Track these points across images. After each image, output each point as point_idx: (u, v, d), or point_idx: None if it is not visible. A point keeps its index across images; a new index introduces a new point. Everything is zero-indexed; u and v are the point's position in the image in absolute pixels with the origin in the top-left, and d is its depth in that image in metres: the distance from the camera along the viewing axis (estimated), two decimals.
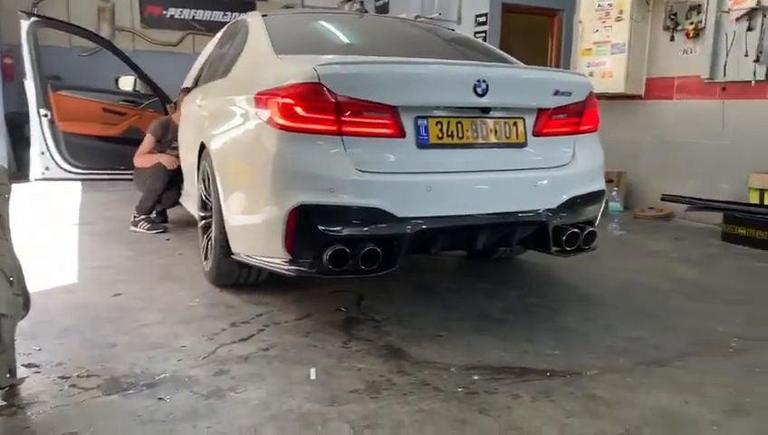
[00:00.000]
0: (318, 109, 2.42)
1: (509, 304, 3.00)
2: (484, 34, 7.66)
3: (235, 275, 3.10)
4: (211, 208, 3.18)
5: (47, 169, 5.04)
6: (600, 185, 2.97)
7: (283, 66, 2.69)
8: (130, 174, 4.98)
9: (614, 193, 5.33)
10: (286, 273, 2.52)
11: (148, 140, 4.78)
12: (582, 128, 2.92)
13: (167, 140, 4.84)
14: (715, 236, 4.71)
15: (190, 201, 4.16)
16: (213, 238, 3.09)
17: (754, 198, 4.75)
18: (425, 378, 2.17)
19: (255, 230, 2.66)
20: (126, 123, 5.27)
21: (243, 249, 2.84)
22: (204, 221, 3.44)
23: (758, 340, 2.60)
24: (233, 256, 2.93)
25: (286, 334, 2.57)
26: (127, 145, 5.03)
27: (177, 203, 4.82)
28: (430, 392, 2.06)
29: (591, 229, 2.85)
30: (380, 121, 2.48)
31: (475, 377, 2.19)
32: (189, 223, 4.12)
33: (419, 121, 2.53)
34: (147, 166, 4.71)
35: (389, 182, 2.46)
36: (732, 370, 2.29)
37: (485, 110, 2.63)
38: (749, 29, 4.89)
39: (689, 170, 5.49)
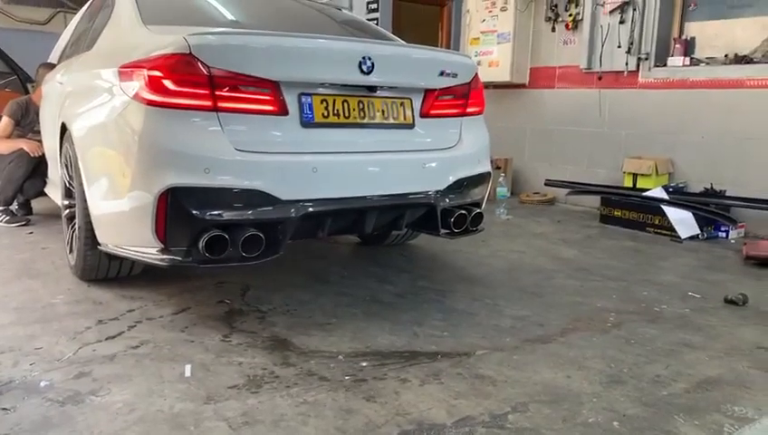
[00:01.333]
0: (190, 82, 2.22)
1: (399, 288, 2.95)
2: (375, 22, 7.61)
3: (104, 269, 2.82)
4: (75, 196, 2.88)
5: None
6: (485, 167, 2.98)
7: (150, 37, 2.46)
8: None
9: (501, 179, 5.47)
10: (159, 263, 2.31)
11: (6, 124, 4.29)
12: (469, 110, 2.92)
13: (27, 122, 4.38)
14: (594, 218, 4.96)
15: (55, 190, 3.77)
16: (77, 228, 2.79)
17: (628, 182, 5.05)
18: (311, 368, 2.06)
19: (123, 217, 2.41)
20: None
21: (110, 239, 2.58)
22: (68, 210, 3.11)
23: (632, 313, 2.72)
24: (100, 248, 2.66)
25: (160, 330, 2.36)
26: None
27: (41, 193, 4.36)
28: (316, 383, 1.96)
29: (478, 211, 2.85)
30: (261, 97, 2.32)
31: (364, 364, 2.10)
32: (58, 216, 3.73)
33: (303, 99, 2.40)
34: (5, 153, 4.23)
35: (272, 163, 2.31)
36: (610, 343, 2.37)
37: (372, 88, 2.55)
38: (621, 21, 5.17)
39: (570, 156, 5.75)
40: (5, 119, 4.29)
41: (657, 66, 5.07)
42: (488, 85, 6.32)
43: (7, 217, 4.18)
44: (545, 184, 5.50)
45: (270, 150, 2.33)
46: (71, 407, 1.76)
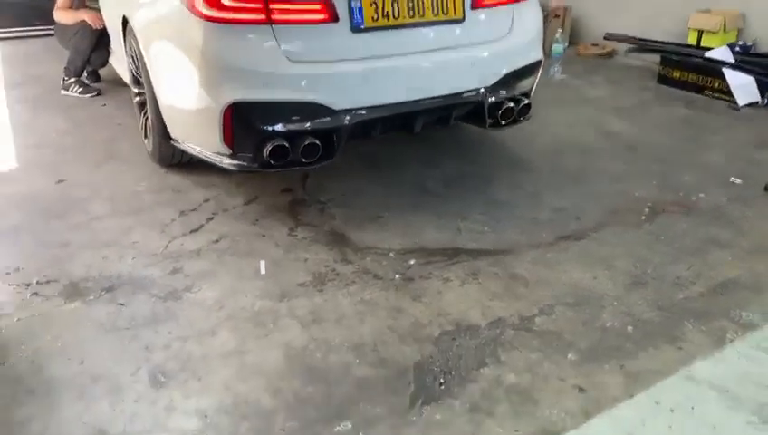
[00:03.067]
0: None
1: (446, 175, 3.15)
2: None
3: (178, 156, 3.11)
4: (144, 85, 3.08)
5: None
6: (537, 55, 2.98)
7: None
8: (50, 29, 4.63)
9: (558, 34, 5.27)
10: (228, 167, 2.57)
11: None
12: None
13: None
14: (652, 77, 4.83)
15: (119, 64, 3.96)
16: (150, 121, 3.04)
17: (693, 39, 4.81)
18: (366, 265, 2.37)
19: (192, 122, 2.64)
20: None
21: (182, 137, 2.84)
22: (138, 98, 3.34)
23: (669, 203, 2.86)
24: (173, 142, 2.93)
25: (235, 222, 2.70)
26: None
27: (107, 62, 4.57)
28: (371, 281, 2.28)
29: (527, 102, 2.92)
30: (312, 6, 2.38)
31: (411, 261, 2.40)
32: (123, 83, 3.97)
33: (353, 3, 2.43)
34: (69, 23, 4.38)
35: (325, 73, 2.43)
36: (640, 240, 2.56)
37: None
38: None
39: (635, 5, 5.42)
40: None
41: None
42: None
43: (81, 88, 4.45)
44: (604, 38, 5.28)
45: (322, 59, 2.44)
46: (172, 303, 2.16)
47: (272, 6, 2.31)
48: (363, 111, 2.51)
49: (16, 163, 3.34)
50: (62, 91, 4.46)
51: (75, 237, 2.58)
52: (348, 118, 2.48)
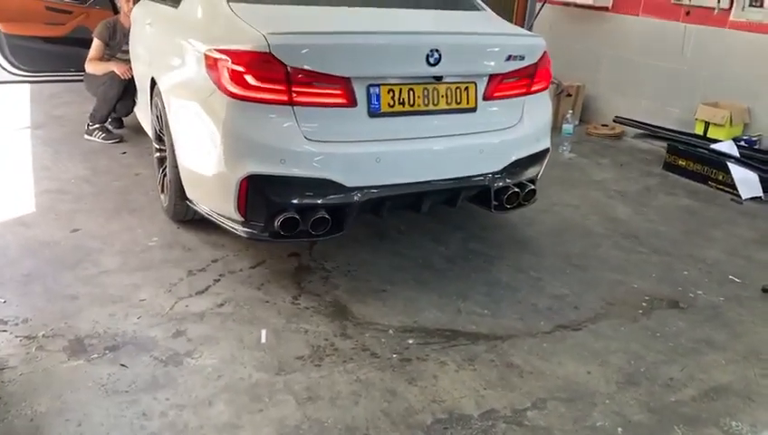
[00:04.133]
0: (269, 79, 2.43)
1: (451, 251, 3.22)
2: None
3: (192, 214, 3.21)
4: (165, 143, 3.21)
5: None
6: (545, 144, 3.09)
7: (233, 24, 2.61)
8: (80, 76, 4.82)
9: (569, 115, 5.42)
10: (239, 233, 2.65)
11: (97, 46, 4.60)
12: (533, 88, 2.98)
13: (115, 43, 4.66)
14: (658, 162, 4.93)
15: (143, 116, 4.12)
16: (168, 180, 3.15)
17: (699, 129, 4.94)
18: (365, 342, 2.42)
19: (209, 187, 2.74)
20: (73, 23, 5.01)
21: (197, 199, 2.94)
22: (159, 154, 3.47)
23: (666, 298, 2.91)
24: (188, 203, 3.03)
25: (241, 286, 2.76)
26: (75, 46, 4.83)
27: (131, 111, 4.74)
28: (368, 359, 2.32)
29: (532, 188, 3.02)
30: (332, 92, 2.51)
31: (410, 341, 2.45)
32: (145, 132, 4.11)
33: (371, 90, 2.56)
34: (99, 73, 4.56)
35: (340, 153, 2.54)
36: (636, 335, 2.60)
37: (438, 78, 2.66)
38: None
39: (645, 91, 5.59)
40: (96, 41, 4.58)
41: (753, 6, 4.74)
42: (570, 4, 6.07)
43: (104, 135, 4.60)
44: (614, 121, 5.43)
45: (338, 140, 2.55)
46: (172, 368, 2.21)
47: (294, 90, 2.44)
48: (374, 190, 2.61)
49: (34, 208, 3.44)
50: (86, 136, 4.62)
51: (84, 290, 2.65)
52: (359, 195, 2.58)
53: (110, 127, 4.77)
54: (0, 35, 4.71)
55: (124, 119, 4.96)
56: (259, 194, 2.52)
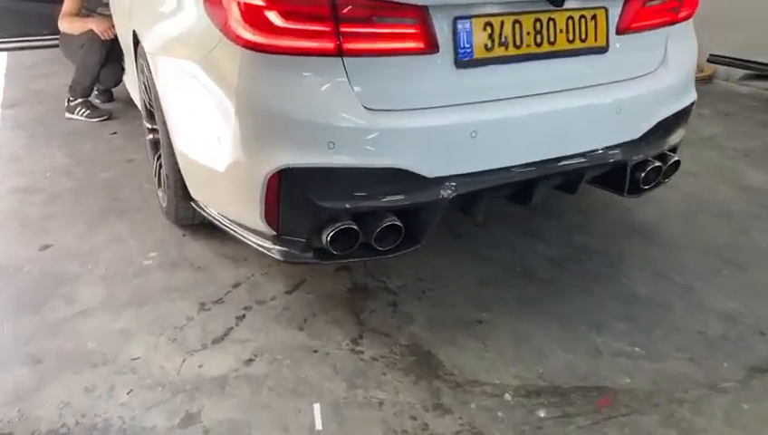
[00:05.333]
0: (304, 15, 1.53)
1: (556, 251, 2.34)
2: None
3: (200, 217, 2.35)
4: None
5: None
6: (692, 95, 2.17)
7: None
8: (56, 39, 3.93)
9: None
10: (270, 254, 1.79)
11: None
12: (681, 14, 2.04)
13: None
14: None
15: (132, 85, 3.23)
16: (165, 175, 2.29)
17: None
18: (473, 419, 1.58)
19: (221, 186, 1.88)
20: None
21: (205, 200, 2.08)
22: (152, 136, 2.60)
23: None
24: (193, 203, 2.18)
25: (275, 326, 1.92)
26: (48, 2, 3.92)
27: (120, 80, 3.85)
28: None
29: (675, 159, 2.12)
30: (402, 31, 1.60)
31: (542, 413, 1.60)
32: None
33: (459, 25, 1.65)
34: (75, 33, 3.67)
35: (416, 127, 1.64)
36: None
37: (556, 1, 1.73)
38: None
39: (744, 19, 4.54)
40: None
41: None
42: None
43: (87, 111, 3.73)
44: (708, 60, 4.43)
45: (413, 107, 1.66)
46: None
47: (344, 30, 1.54)
48: (467, 181, 1.72)
49: None
50: (67, 114, 3.75)
51: (51, 346, 1.82)
52: (445, 190, 1.70)
53: (95, 101, 3.89)
54: None
55: (114, 90, 4.08)
56: (298, 196, 1.64)
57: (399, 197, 1.67)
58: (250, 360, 1.78)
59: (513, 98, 1.75)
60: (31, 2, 4.16)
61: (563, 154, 1.83)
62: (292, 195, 1.65)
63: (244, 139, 1.64)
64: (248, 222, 1.82)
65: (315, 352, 1.82)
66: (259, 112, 1.60)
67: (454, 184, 1.70)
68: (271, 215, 1.70)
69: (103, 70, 3.70)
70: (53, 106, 3.94)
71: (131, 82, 3.27)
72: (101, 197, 2.76)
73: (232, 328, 1.91)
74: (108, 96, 4.06)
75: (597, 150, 1.89)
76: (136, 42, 2.43)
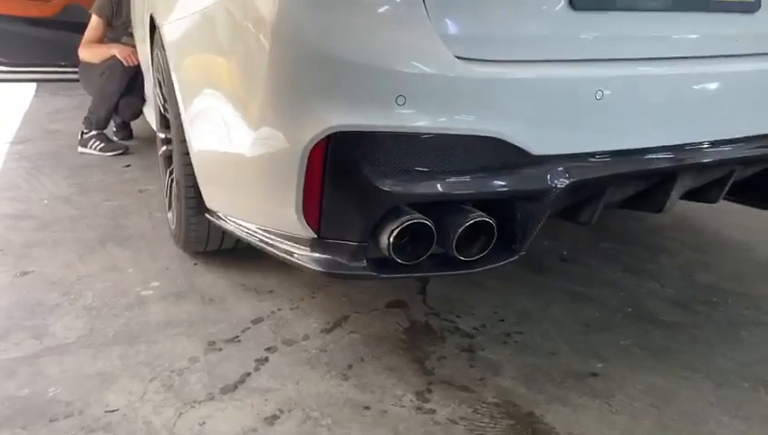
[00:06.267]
0: None
1: (671, 288, 1.79)
2: None
3: (216, 241, 1.88)
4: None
5: None
6: None
7: None
8: (74, 71, 3.63)
9: None
10: (306, 265, 1.28)
11: (95, 25, 3.38)
12: None
13: (120, 21, 3.44)
14: None
15: (150, 108, 2.85)
16: (176, 183, 1.84)
17: None
18: None
19: (245, 178, 1.40)
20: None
21: (224, 207, 1.61)
22: (165, 147, 2.18)
23: None
24: (209, 215, 1.70)
25: (308, 374, 1.38)
26: (67, 31, 3.66)
27: (140, 113, 3.49)
28: None
29: None
30: None
31: None
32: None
33: None
34: (96, 61, 3.36)
35: (519, 83, 1.17)
36: None
37: None
38: None
39: None
40: (94, 19, 3.38)
41: None
42: None
43: (102, 144, 3.35)
44: None
45: (516, 57, 1.19)
46: None
47: None
48: (585, 165, 1.23)
49: None
50: (80, 149, 3.38)
51: (7, 391, 1.30)
52: (556, 176, 1.20)
53: (110, 135, 3.53)
54: None
55: (134, 125, 3.73)
56: (350, 176, 1.15)
57: (495, 180, 1.18)
58: (274, 416, 1.23)
59: (648, 58, 1.28)
60: (46, 28, 3.89)
61: (718, 138, 1.33)
62: (341, 175, 1.16)
63: (281, 96, 1.18)
64: (276, 223, 1.33)
65: (366, 408, 1.27)
66: (302, 57, 1.14)
67: (568, 168, 1.21)
68: (311, 207, 1.20)
69: (122, 100, 3.35)
70: (67, 142, 3.58)
71: (151, 108, 2.89)
72: (102, 225, 2.31)
73: (249, 374, 1.38)
74: (127, 132, 3.70)
75: (754, 137, 1.39)
76: (152, 30, 2.04)
